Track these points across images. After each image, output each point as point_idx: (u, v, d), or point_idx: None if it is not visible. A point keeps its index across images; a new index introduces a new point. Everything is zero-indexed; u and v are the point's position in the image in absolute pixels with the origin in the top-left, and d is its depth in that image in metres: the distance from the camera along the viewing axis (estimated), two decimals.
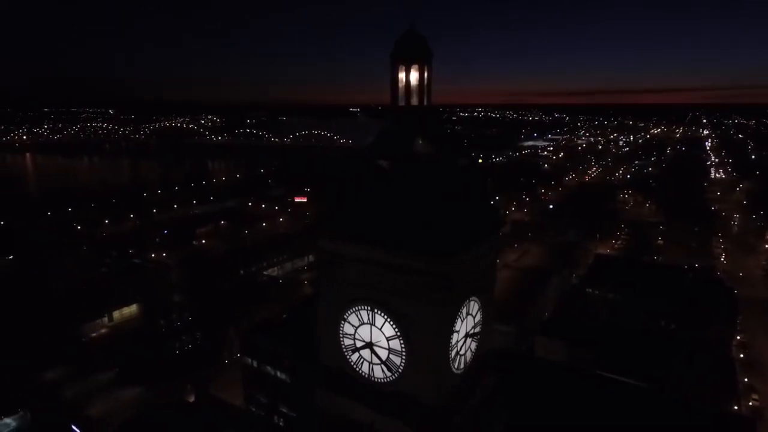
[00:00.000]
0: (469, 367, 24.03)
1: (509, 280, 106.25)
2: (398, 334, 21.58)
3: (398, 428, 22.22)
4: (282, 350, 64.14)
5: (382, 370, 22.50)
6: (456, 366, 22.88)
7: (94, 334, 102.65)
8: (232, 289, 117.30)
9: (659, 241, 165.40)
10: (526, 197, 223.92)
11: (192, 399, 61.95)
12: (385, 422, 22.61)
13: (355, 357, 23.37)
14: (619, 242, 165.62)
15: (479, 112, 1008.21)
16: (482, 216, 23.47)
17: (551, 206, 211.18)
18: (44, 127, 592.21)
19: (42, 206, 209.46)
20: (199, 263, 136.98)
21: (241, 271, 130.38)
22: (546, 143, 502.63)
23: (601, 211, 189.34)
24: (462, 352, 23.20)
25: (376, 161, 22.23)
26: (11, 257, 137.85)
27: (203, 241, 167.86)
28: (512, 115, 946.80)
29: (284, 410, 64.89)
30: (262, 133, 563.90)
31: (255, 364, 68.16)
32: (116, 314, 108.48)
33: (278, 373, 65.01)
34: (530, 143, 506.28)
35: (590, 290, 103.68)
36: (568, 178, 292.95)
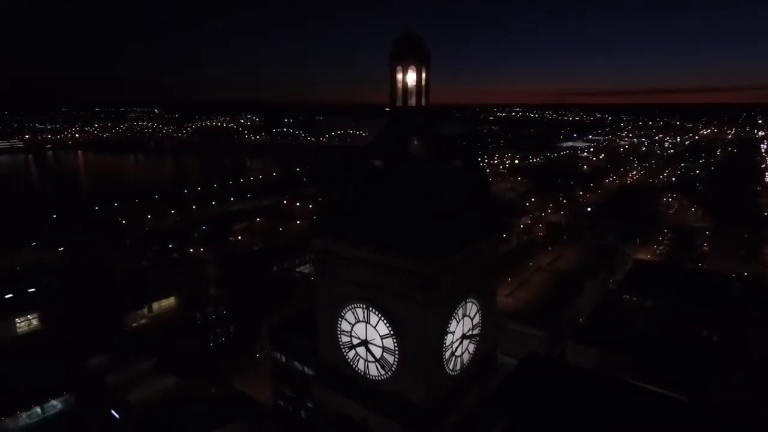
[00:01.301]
0: (466, 368, 23.90)
1: (542, 284, 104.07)
2: (391, 332, 21.73)
3: (390, 427, 22.32)
4: (309, 346, 65.14)
5: (377, 368, 22.71)
6: (451, 367, 22.82)
7: (134, 324, 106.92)
8: (266, 284, 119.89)
9: (705, 248, 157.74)
10: (562, 199, 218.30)
11: (214, 390, 63.72)
12: (378, 420, 22.79)
13: (351, 354, 23.69)
14: (660, 247, 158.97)
15: (517, 112, 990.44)
16: (477, 217, 23.23)
17: (589, 209, 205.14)
18: (95, 126, 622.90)
19: (91, 201, 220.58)
20: (234, 259, 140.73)
21: (275, 268, 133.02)
22: (586, 144, 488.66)
23: (642, 215, 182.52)
24: (458, 353, 23.12)
25: (369, 161, 22.49)
26: (62, 249, 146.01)
27: (239, 238, 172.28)
28: (551, 115, 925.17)
29: (310, 405, 65.90)
30: (299, 132, 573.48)
31: (283, 359, 69.55)
32: (155, 306, 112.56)
33: (305, 369, 66.09)
34: (569, 144, 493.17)
35: (627, 296, 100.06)
36: (608, 180, 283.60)
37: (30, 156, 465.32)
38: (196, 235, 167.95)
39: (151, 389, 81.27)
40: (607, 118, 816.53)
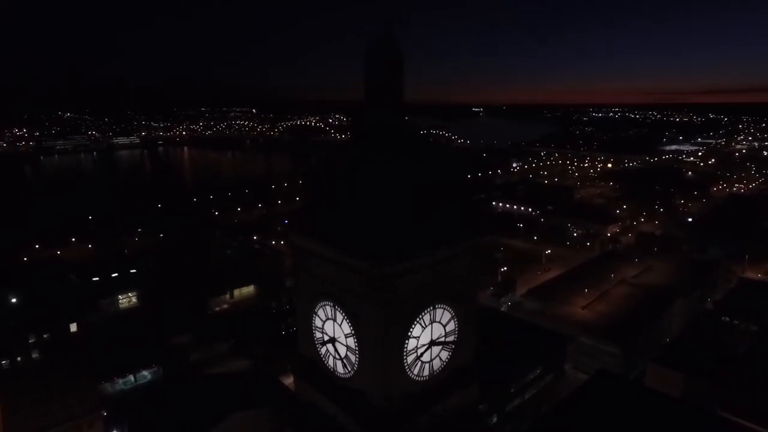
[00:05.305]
0: (436, 376, 23.46)
1: (624, 297, 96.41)
2: (353, 332, 21.87)
3: (352, 425, 22.52)
4: None
5: (342, 366, 23.00)
6: (416, 372, 22.48)
7: (217, 309, 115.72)
8: None
9: None
10: (659, 207, 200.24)
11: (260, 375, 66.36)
12: (344, 418, 23.10)
13: (323, 350, 24.18)
14: None
15: (615, 113, 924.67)
16: (446, 222, 22.47)
17: (690, 219, 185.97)
18: (199, 124, 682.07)
19: (191, 193, 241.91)
20: None
21: None
22: (694, 148, 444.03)
23: (756, 228, 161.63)
24: (426, 359, 22.73)
25: (336, 161, 23.08)
26: (161, 235, 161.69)
27: None
28: (655, 116, 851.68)
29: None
30: None
31: None
32: (236, 293, 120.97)
33: None
34: (673, 147, 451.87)
35: (727, 318, 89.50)
36: (717, 188, 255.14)
37: (145, 151, 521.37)
38: (279, 228, 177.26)
39: (226, 369, 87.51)
40: (723, 119, 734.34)
